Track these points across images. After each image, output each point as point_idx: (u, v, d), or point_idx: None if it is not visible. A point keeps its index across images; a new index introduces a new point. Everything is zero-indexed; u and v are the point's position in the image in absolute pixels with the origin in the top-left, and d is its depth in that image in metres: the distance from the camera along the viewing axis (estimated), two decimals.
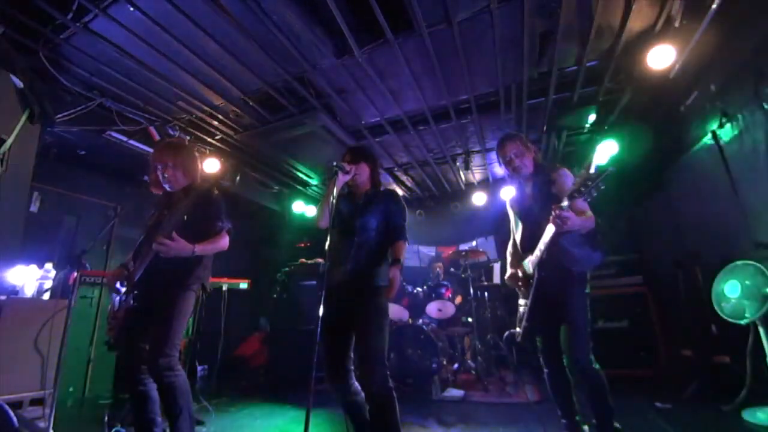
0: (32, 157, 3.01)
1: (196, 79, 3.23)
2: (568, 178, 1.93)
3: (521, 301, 2.11)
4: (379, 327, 1.72)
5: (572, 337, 1.87)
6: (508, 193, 5.27)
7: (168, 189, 2.09)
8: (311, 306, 4.16)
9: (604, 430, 1.86)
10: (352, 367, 1.79)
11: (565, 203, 1.68)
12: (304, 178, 5.58)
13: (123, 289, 1.96)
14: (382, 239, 1.91)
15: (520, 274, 2.12)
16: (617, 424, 1.89)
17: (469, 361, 4.25)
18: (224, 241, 2.03)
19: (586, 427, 2.01)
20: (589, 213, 1.83)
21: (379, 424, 1.63)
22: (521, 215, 2.17)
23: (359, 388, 1.76)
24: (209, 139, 4.26)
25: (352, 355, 1.79)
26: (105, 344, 1.92)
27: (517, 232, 2.22)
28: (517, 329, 2.07)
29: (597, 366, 1.85)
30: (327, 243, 1.69)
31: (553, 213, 1.71)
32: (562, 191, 1.81)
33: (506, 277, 2.21)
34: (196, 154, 2.21)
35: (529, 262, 2.01)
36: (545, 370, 2.09)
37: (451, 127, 4.21)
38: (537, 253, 1.91)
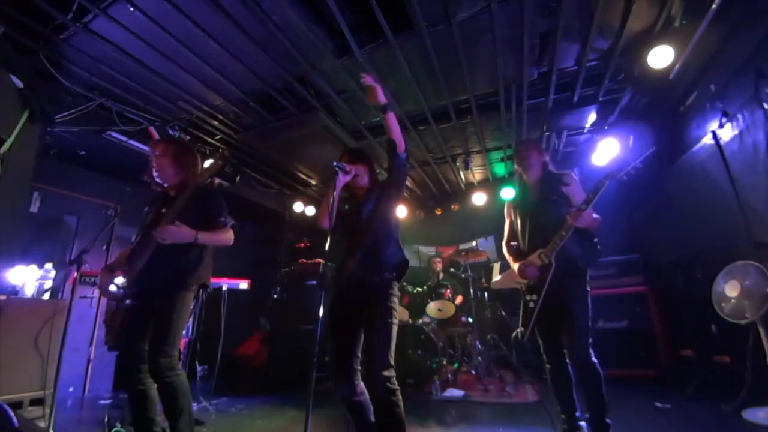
0: (32, 157, 3.02)
1: (196, 79, 3.23)
2: (578, 184, 2.17)
3: (528, 296, 2.15)
4: (387, 326, 1.69)
5: (575, 330, 1.96)
6: (507, 193, 5.37)
7: (158, 180, 2.06)
8: (311, 306, 4.16)
9: (596, 424, 1.92)
10: (359, 367, 1.78)
11: (584, 206, 1.95)
12: (304, 178, 5.58)
13: (119, 289, 1.94)
14: (381, 224, 1.90)
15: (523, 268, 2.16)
16: (608, 420, 1.92)
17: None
18: (228, 235, 2.01)
19: (583, 424, 2.04)
20: (597, 216, 2.03)
21: (384, 425, 1.62)
22: (529, 214, 2.24)
23: (364, 388, 1.73)
24: (209, 139, 4.26)
25: (359, 355, 1.77)
26: (105, 345, 1.91)
27: (520, 231, 2.28)
28: (521, 329, 2.13)
29: (595, 360, 1.93)
30: (328, 244, 1.68)
31: (571, 210, 1.97)
32: (573, 193, 2.12)
33: (516, 270, 2.21)
34: (195, 153, 2.19)
35: (539, 256, 2.08)
36: (547, 366, 2.15)
37: (451, 127, 4.21)
38: (552, 246, 2.02)
